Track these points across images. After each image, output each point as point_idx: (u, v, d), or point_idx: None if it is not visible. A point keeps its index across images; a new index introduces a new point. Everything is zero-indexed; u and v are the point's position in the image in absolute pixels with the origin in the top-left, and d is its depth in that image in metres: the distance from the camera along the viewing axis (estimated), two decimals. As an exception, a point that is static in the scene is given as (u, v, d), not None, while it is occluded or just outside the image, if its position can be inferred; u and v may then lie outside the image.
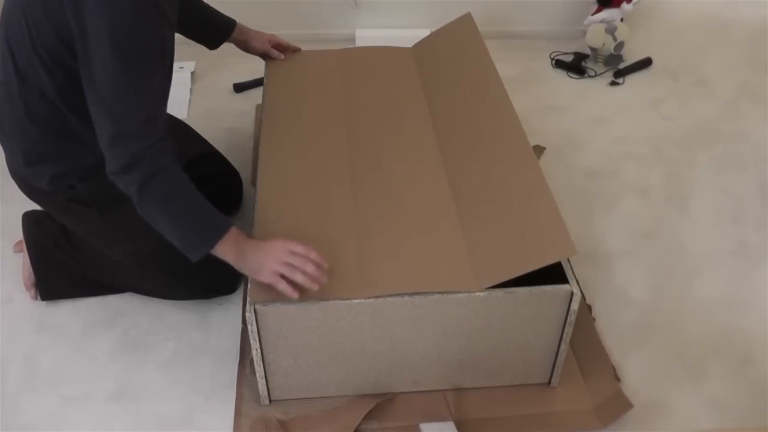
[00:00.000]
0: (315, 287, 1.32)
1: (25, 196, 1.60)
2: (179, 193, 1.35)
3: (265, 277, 1.33)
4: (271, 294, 1.34)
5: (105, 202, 1.50)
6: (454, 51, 1.92)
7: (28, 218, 1.77)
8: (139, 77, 1.29)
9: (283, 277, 1.32)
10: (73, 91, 1.33)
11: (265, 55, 1.92)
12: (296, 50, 1.96)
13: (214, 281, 1.70)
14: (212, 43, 1.85)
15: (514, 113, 1.64)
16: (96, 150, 1.35)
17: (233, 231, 1.36)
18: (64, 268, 1.71)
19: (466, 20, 1.96)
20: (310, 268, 1.32)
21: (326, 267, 1.35)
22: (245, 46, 1.90)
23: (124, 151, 1.30)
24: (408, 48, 2.01)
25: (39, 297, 1.72)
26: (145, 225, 1.53)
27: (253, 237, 1.42)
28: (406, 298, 1.35)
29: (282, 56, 1.92)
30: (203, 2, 1.80)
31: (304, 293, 1.33)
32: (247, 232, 1.41)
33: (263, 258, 1.34)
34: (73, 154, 1.47)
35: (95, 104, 1.30)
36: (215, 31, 1.83)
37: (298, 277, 1.31)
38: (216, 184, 1.69)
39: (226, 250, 1.35)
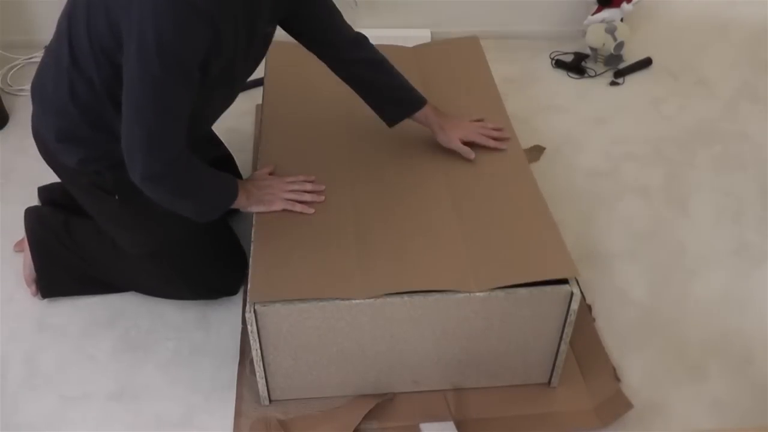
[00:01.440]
0: (321, 198, 1.53)
1: (25, 195, 1.60)
2: (199, 177, 1.44)
3: (280, 205, 1.51)
4: (280, 220, 1.49)
5: (128, 191, 1.47)
6: (456, 58, 1.93)
7: (31, 214, 1.76)
8: (177, 87, 1.28)
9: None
10: (117, 86, 1.30)
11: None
12: (505, 139, 1.69)
13: (218, 281, 1.70)
14: (388, 121, 1.67)
15: (508, 121, 1.63)
16: None
17: (237, 180, 1.52)
18: (65, 265, 1.71)
19: (472, 42, 1.95)
20: (309, 187, 1.54)
21: (322, 187, 1.55)
22: (438, 138, 1.66)
23: (155, 159, 1.32)
24: (408, 48, 2.01)
25: (39, 293, 1.72)
26: (162, 219, 1.52)
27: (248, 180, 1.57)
28: (406, 298, 1.35)
29: (472, 155, 1.63)
30: (391, 76, 1.64)
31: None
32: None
33: (270, 191, 1.53)
34: (105, 143, 1.45)
35: (130, 107, 1.29)
36: (393, 109, 1.67)
37: (306, 197, 1.52)
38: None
39: (239, 198, 1.49)
